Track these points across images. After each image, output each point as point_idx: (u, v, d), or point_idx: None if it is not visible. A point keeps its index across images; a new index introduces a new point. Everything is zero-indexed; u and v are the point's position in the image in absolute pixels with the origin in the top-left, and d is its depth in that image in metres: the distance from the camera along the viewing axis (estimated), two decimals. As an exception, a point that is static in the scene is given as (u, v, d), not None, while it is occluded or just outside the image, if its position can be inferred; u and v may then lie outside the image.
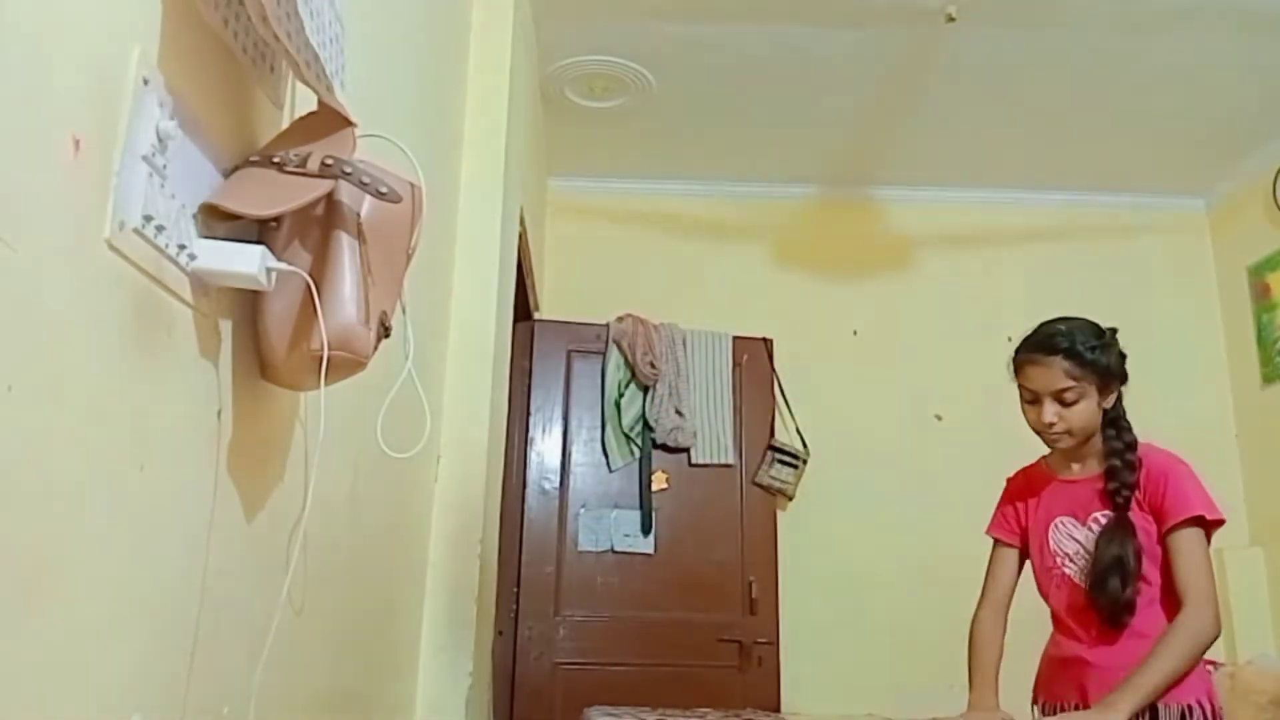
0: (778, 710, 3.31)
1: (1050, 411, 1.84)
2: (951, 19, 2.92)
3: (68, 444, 0.71)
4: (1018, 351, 1.93)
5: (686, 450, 3.64)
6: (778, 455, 3.72)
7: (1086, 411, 1.84)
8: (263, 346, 1.02)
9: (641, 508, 3.55)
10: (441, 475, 2.33)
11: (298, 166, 0.95)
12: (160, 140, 0.81)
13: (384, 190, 1.05)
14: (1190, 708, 1.72)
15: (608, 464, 3.59)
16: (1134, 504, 1.82)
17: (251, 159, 0.97)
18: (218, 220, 0.92)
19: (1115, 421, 1.88)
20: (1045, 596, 1.96)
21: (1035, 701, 1.97)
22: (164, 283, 0.84)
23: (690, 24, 3.13)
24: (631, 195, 4.17)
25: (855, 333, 4.07)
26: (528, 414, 3.56)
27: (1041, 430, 1.88)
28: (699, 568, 3.54)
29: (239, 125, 1.00)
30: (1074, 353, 1.85)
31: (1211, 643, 1.71)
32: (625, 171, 4.12)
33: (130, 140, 0.77)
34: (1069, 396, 1.83)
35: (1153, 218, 4.21)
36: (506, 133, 2.61)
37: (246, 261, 0.90)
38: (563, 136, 3.83)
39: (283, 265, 0.95)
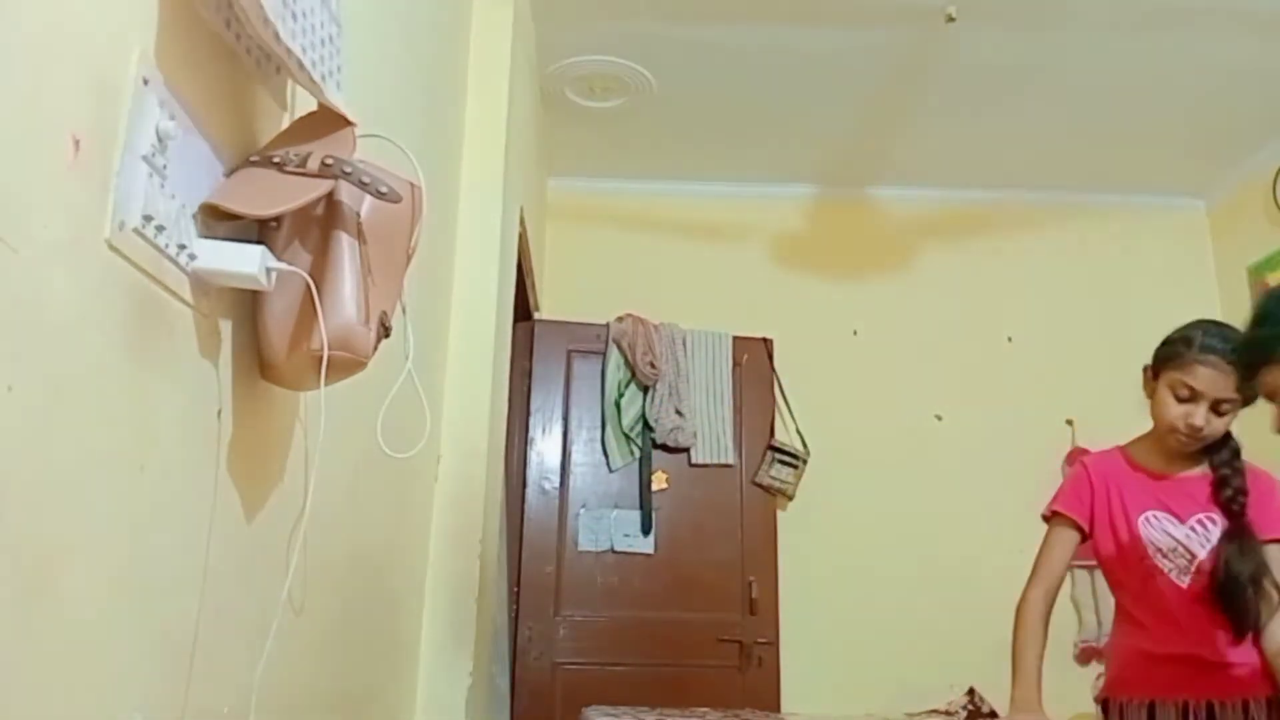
0: (778, 710, 3.31)
1: (1202, 416, 1.83)
2: (951, 19, 2.92)
3: (68, 444, 0.71)
4: (1191, 348, 1.84)
5: (686, 450, 3.65)
6: (778, 455, 3.72)
7: (1226, 424, 1.86)
8: (263, 346, 1.02)
9: (641, 508, 3.55)
10: (441, 475, 2.33)
11: (298, 166, 0.95)
12: (160, 140, 0.81)
13: (384, 190, 1.05)
14: None
15: (608, 464, 3.59)
16: None
17: (251, 159, 0.97)
18: (218, 220, 0.92)
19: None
20: (1120, 587, 1.96)
21: (1114, 697, 1.95)
22: (164, 283, 0.84)
23: (690, 24, 3.13)
24: (632, 195, 4.17)
25: (855, 333, 4.07)
26: (528, 414, 3.57)
27: (1181, 431, 1.84)
28: (699, 568, 3.54)
29: (239, 125, 1.00)
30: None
31: None
32: (625, 172, 4.12)
33: (130, 140, 0.77)
34: (1225, 407, 1.84)
35: (1153, 218, 4.21)
36: (506, 133, 2.61)
37: (246, 261, 0.90)
38: (563, 136, 3.83)
39: (283, 265, 0.95)
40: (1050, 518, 2.02)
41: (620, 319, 3.70)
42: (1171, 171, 4.02)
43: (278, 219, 0.99)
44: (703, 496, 3.63)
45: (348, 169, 1.00)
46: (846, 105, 3.59)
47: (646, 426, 3.62)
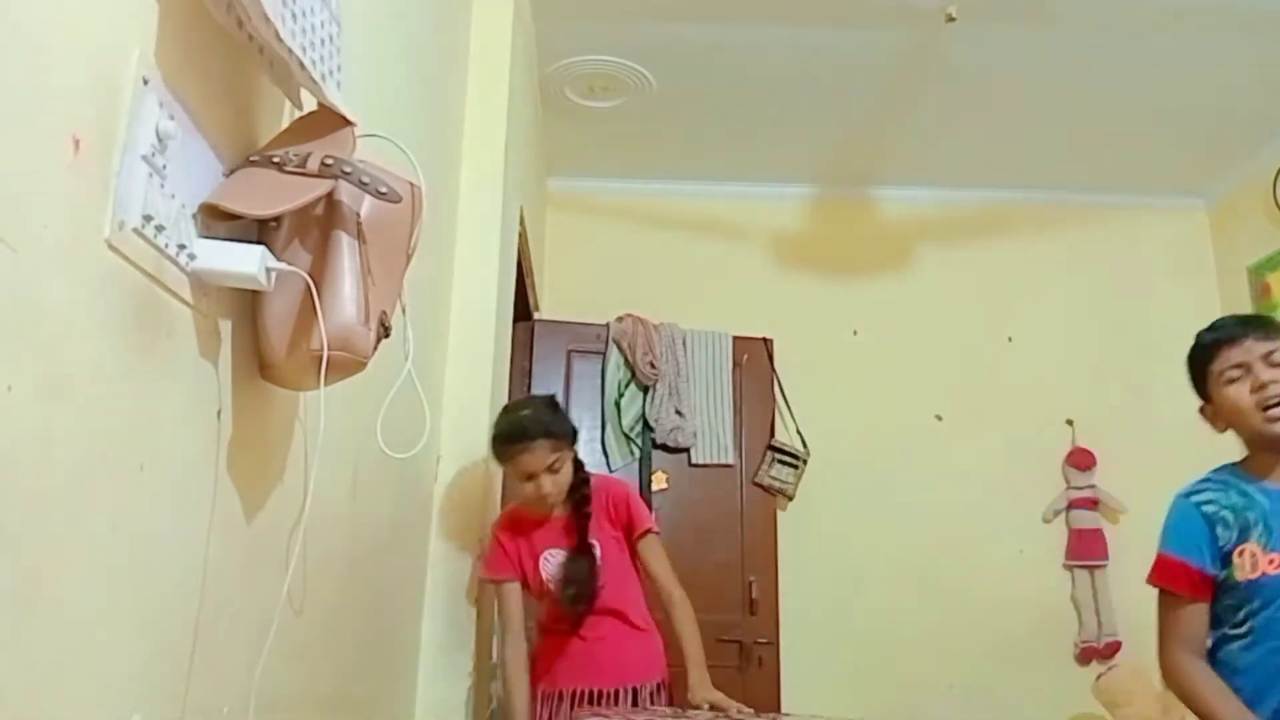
0: (778, 710, 3.31)
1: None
2: (951, 19, 2.92)
3: (68, 444, 0.71)
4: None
5: (686, 450, 3.64)
6: (778, 455, 3.72)
7: None
8: (263, 346, 1.02)
9: (641, 508, 3.55)
10: (441, 475, 2.33)
11: (297, 166, 0.95)
12: (160, 140, 0.81)
13: (384, 190, 1.05)
14: None
15: (608, 464, 3.59)
16: None
17: (251, 159, 0.97)
18: (217, 220, 0.92)
19: None
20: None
21: None
22: (164, 283, 0.84)
23: (690, 24, 3.13)
24: (631, 195, 4.17)
25: (855, 333, 4.07)
26: (528, 414, 3.56)
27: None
28: (699, 568, 3.53)
29: (239, 125, 1.00)
30: None
31: None
32: (625, 171, 4.12)
33: (130, 140, 0.77)
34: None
35: (1153, 218, 4.21)
36: (506, 132, 2.61)
37: (246, 261, 0.90)
38: (562, 136, 3.83)
39: (282, 265, 0.95)
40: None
41: (620, 319, 3.70)
42: (1171, 171, 4.02)
43: (277, 219, 0.99)
44: (703, 496, 3.63)
45: (347, 169, 1.00)
46: (846, 105, 3.59)
47: (646, 426, 3.62)
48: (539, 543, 2.24)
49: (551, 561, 2.23)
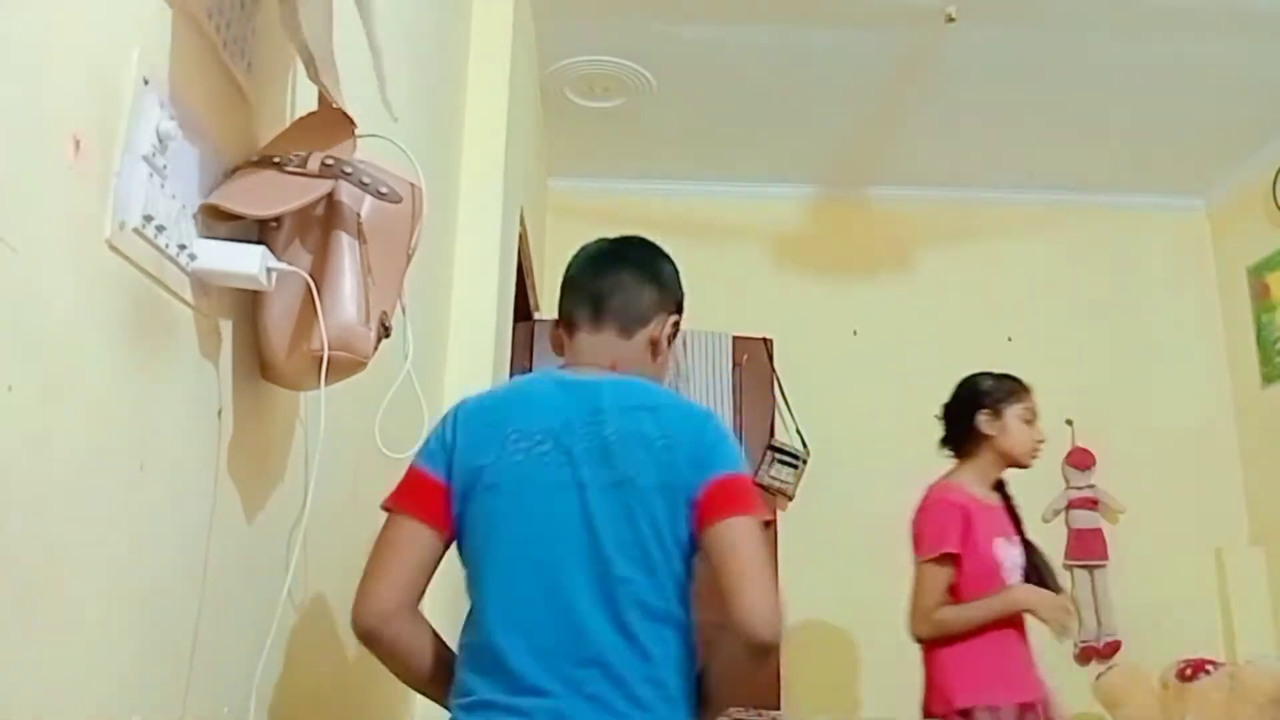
0: (778, 710, 3.31)
1: None
2: (951, 19, 2.91)
3: (68, 444, 0.71)
4: None
5: (686, 450, 3.64)
6: (778, 455, 3.72)
7: None
8: (263, 346, 1.02)
9: (641, 508, 3.55)
10: (441, 475, 2.32)
11: (298, 167, 0.95)
12: (160, 140, 0.81)
13: (384, 190, 1.05)
14: None
15: (608, 464, 3.59)
16: None
17: (252, 159, 0.97)
18: (218, 220, 0.92)
19: None
20: None
21: None
22: (164, 283, 0.84)
23: (690, 24, 3.13)
24: (631, 195, 4.17)
25: (855, 333, 4.07)
26: (528, 414, 3.56)
27: None
28: (699, 568, 3.54)
29: (239, 125, 1.00)
30: None
31: None
32: (625, 172, 4.11)
33: (130, 140, 0.77)
34: None
35: (1153, 218, 4.20)
36: (506, 133, 2.61)
37: (247, 261, 0.90)
38: (563, 136, 3.83)
39: (283, 265, 0.95)
40: None
41: (620, 319, 3.70)
42: (1171, 171, 4.01)
43: (278, 219, 0.99)
44: (703, 496, 3.62)
45: (348, 169, 1.00)
46: (846, 105, 3.59)
47: (646, 426, 3.62)
48: (995, 526, 2.29)
49: (1012, 552, 2.26)
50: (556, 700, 1.12)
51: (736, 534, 1.17)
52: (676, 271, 1.47)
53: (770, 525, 3.66)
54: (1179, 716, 3.07)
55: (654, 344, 1.40)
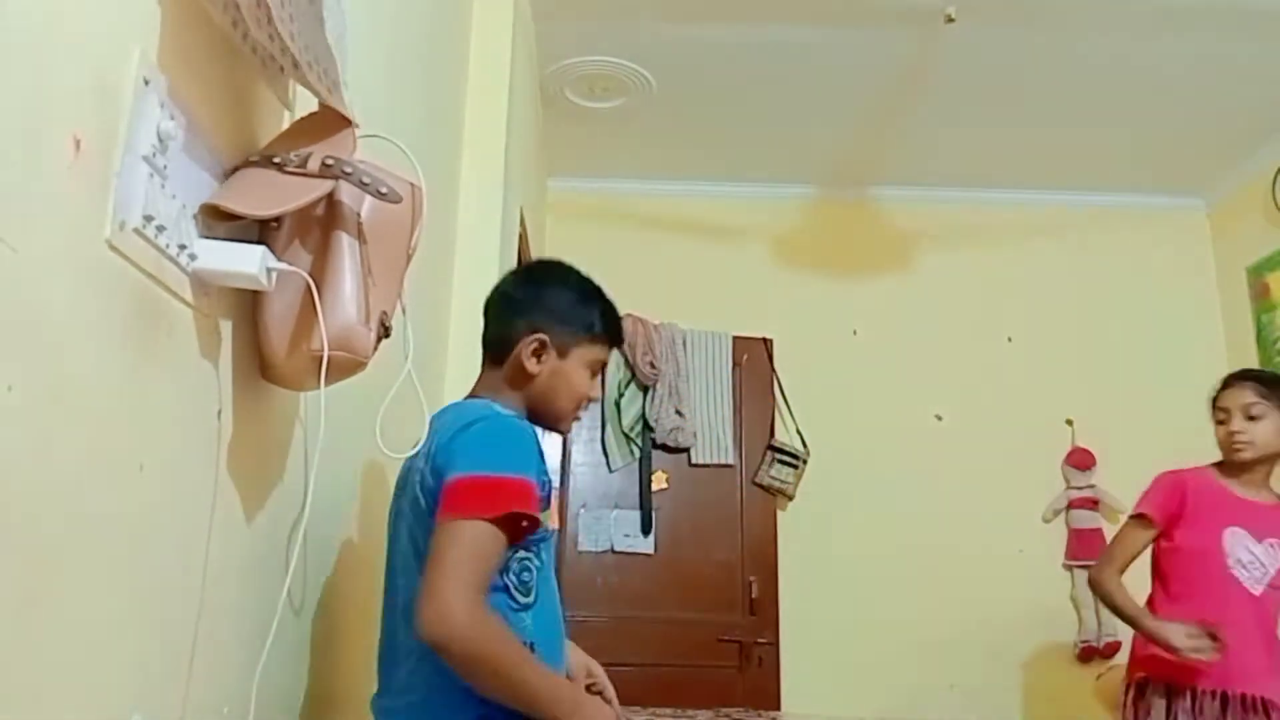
0: (778, 710, 3.32)
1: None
2: (951, 19, 2.91)
3: (68, 444, 0.71)
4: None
5: (686, 450, 3.65)
6: (778, 455, 3.72)
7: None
8: (263, 346, 1.02)
9: (641, 508, 3.55)
10: (441, 475, 2.32)
11: (298, 167, 0.95)
12: (161, 140, 0.81)
13: (384, 190, 1.05)
14: None
15: (608, 464, 3.60)
16: None
17: (252, 159, 0.97)
18: (218, 220, 0.92)
19: None
20: None
21: None
22: (164, 283, 0.84)
23: (690, 24, 3.13)
24: (631, 195, 4.17)
25: (855, 333, 4.07)
26: (528, 414, 3.56)
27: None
28: (699, 568, 3.54)
29: (240, 125, 1.00)
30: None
31: None
32: (625, 172, 4.12)
33: (131, 140, 0.77)
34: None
35: (1153, 218, 4.21)
36: (506, 133, 2.61)
37: (247, 261, 0.90)
38: (563, 136, 3.83)
39: (283, 265, 0.95)
40: None
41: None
42: (1171, 171, 4.02)
43: (278, 219, 0.99)
44: (703, 496, 3.63)
45: (348, 169, 1.00)
46: (846, 105, 3.59)
47: (646, 426, 3.62)
48: (1234, 517, 2.28)
49: (1253, 548, 2.25)
50: None
51: (438, 535, 1.19)
52: (561, 287, 1.49)
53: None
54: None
55: (517, 367, 1.43)
